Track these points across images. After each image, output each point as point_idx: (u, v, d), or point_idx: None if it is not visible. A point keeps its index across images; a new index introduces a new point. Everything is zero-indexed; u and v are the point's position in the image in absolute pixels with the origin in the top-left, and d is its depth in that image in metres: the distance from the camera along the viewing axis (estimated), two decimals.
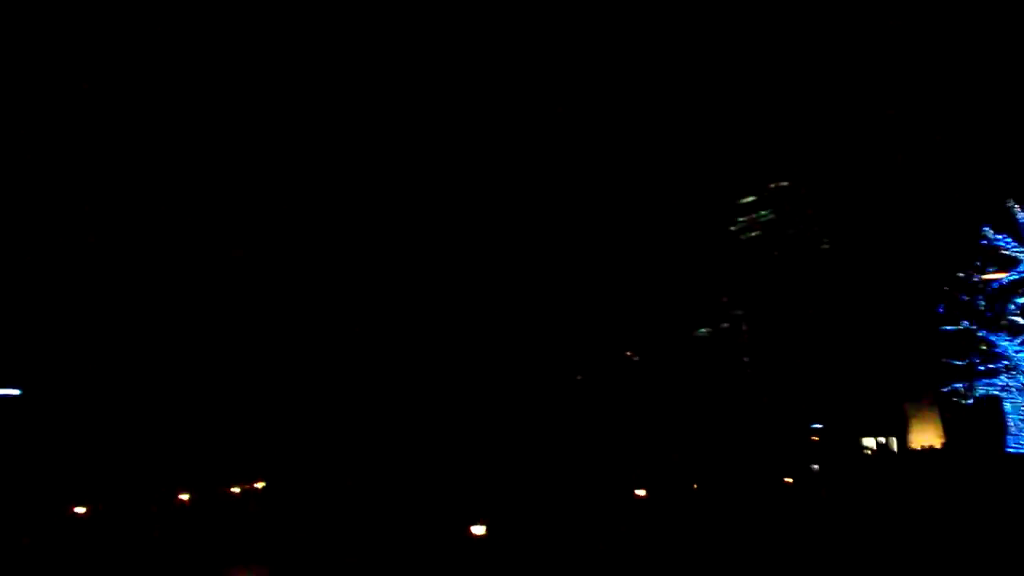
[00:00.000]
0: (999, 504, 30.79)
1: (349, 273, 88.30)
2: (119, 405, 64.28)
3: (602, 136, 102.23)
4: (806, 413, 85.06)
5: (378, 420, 77.31)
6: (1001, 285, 47.83)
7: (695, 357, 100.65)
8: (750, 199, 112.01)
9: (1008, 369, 47.64)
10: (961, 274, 49.94)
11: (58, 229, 68.65)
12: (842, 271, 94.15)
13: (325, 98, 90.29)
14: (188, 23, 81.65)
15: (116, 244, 73.39)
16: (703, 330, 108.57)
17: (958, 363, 49.86)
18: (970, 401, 50.07)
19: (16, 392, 57.91)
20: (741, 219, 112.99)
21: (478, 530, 25.94)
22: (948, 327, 50.14)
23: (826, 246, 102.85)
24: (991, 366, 48.35)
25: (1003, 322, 47.46)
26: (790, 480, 50.58)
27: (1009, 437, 47.62)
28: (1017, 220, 46.93)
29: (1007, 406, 48.12)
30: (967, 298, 49.50)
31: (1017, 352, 47.02)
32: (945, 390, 51.72)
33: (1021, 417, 47.42)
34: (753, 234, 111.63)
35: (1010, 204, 47.13)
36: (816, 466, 58.32)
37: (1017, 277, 47.11)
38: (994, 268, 48.18)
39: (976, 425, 51.61)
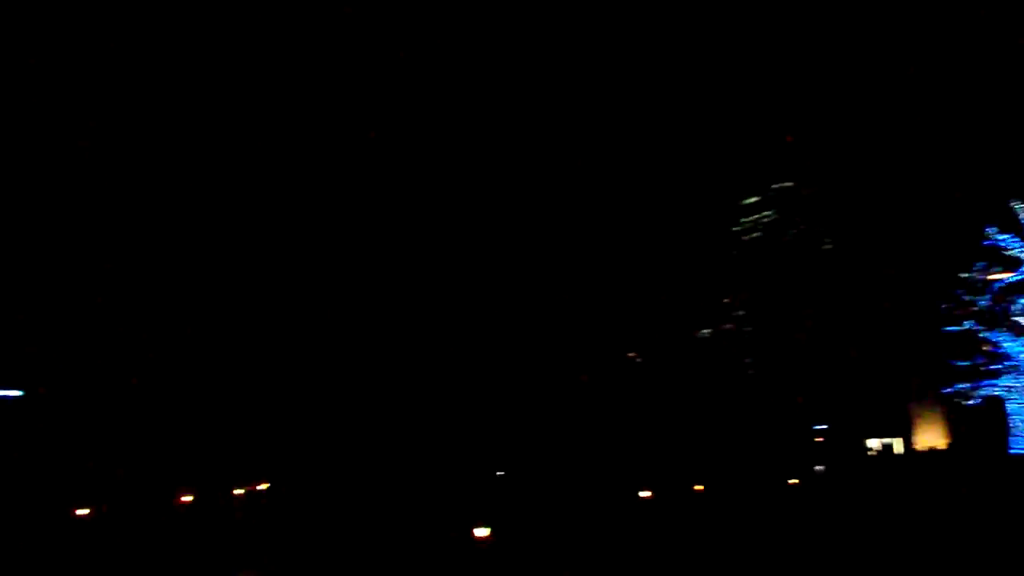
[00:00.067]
0: (1004, 505, 30.73)
1: (352, 274, 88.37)
2: (122, 407, 64.30)
3: (604, 137, 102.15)
4: (809, 414, 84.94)
5: (381, 422, 77.28)
6: (1005, 285, 47.77)
7: (697, 358, 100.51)
8: (753, 200, 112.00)
9: (1012, 370, 47.57)
10: (965, 274, 49.87)
11: (59, 230, 68.71)
12: (845, 272, 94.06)
13: (325, 98, 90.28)
14: (188, 24, 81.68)
15: (118, 245, 73.44)
16: (705, 331, 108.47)
17: (962, 364, 49.81)
18: (974, 402, 50.00)
19: (18, 393, 57.93)
20: (744, 220, 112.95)
21: (482, 532, 25.87)
22: (952, 328, 50.09)
23: (829, 247, 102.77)
24: (995, 367, 48.29)
25: (1007, 322, 47.38)
26: (794, 482, 50.48)
27: (1013, 438, 47.55)
28: (1021, 220, 46.88)
29: (1011, 407, 48.05)
30: (971, 298, 49.45)
31: (1021, 352, 46.94)
32: (949, 391, 51.66)
33: None
34: (756, 235, 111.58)
35: (1014, 204, 47.08)
36: (820, 468, 58.20)
37: (1021, 277, 47.05)
38: (998, 268, 48.11)
39: (981, 426, 51.57)
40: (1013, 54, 62.45)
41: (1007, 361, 47.64)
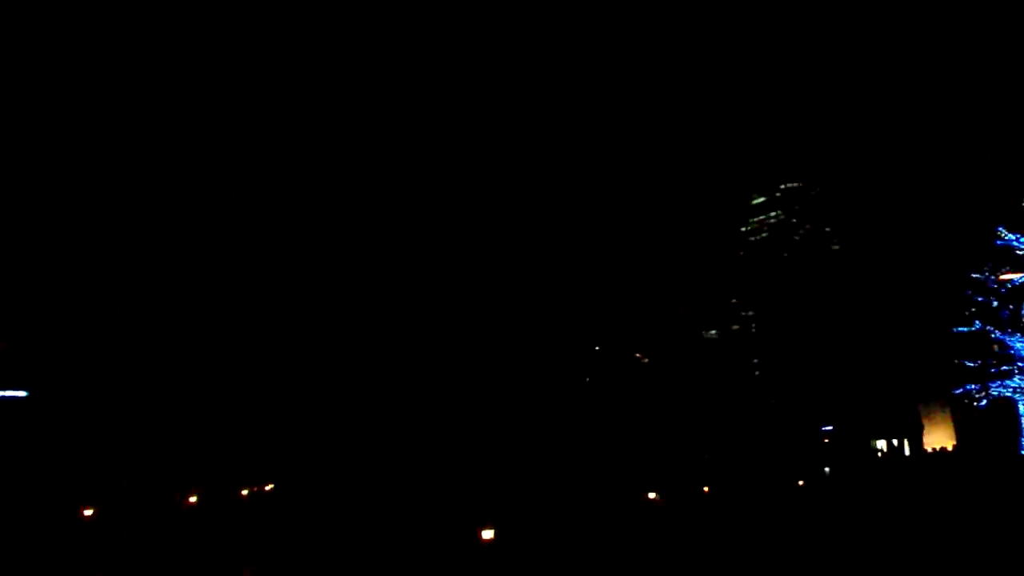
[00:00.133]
0: (1014, 507, 30.41)
1: (359, 279, 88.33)
2: (127, 407, 64.25)
3: (614, 138, 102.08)
4: (817, 415, 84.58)
5: (387, 424, 77.14)
6: (1015, 285, 47.26)
7: (705, 359, 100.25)
8: (761, 200, 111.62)
9: (1023, 371, 47.06)
10: (975, 274, 49.33)
11: (65, 233, 68.76)
12: (853, 272, 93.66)
13: (325, 98, 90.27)
14: (189, 24, 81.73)
15: (124, 248, 73.50)
16: (712, 331, 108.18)
17: (971, 364, 49.26)
18: (984, 403, 49.49)
19: (23, 394, 57.93)
20: (751, 220, 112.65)
21: (487, 534, 25.69)
22: (962, 328, 49.55)
23: (837, 247, 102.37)
24: (1005, 367, 47.76)
25: (1018, 323, 46.91)
26: (801, 483, 50.18)
27: None
28: None
29: (1022, 408, 47.56)
30: (981, 299, 48.91)
31: None
32: (958, 392, 51.13)
33: None
34: (763, 235, 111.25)
35: None
36: (828, 468, 57.88)
37: None
38: (1008, 268, 47.61)
39: (990, 427, 51.10)
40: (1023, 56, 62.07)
41: (1018, 362, 47.13)
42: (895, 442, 73.39)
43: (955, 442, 63.00)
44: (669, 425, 78.92)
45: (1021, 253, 46.57)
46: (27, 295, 63.66)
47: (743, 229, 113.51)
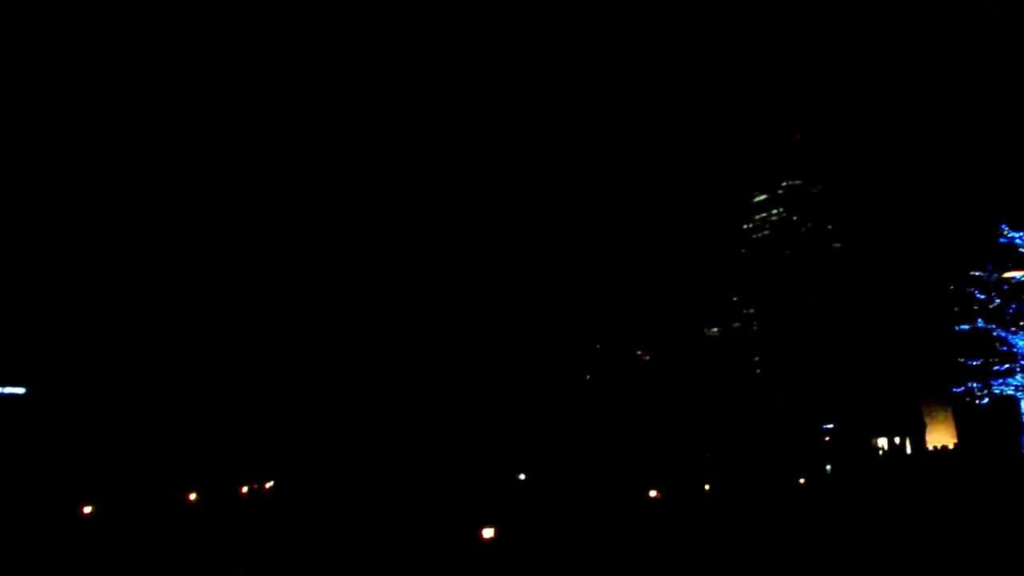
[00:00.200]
0: (1015, 505, 30.31)
1: (361, 276, 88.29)
2: (126, 403, 64.16)
3: (615, 135, 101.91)
4: (818, 413, 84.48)
5: (388, 422, 77.09)
6: (1018, 283, 47.10)
7: (706, 357, 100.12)
8: (762, 197, 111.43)
9: None
10: (977, 272, 49.16)
11: (63, 229, 68.68)
12: (855, 269, 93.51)
13: (326, 98, 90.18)
14: (189, 25, 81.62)
15: (125, 244, 73.42)
16: (714, 329, 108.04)
17: (973, 363, 49.08)
18: (985, 401, 49.34)
19: (20, 390, 57.84)
20: (754, 217, 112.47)
21: (488, 533, 25.59)
22: (963, 326, 49.38)
23: (838, 245, 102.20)
24: (1007, 366, 47.61)
25: (1020, 321, 46.77)
26: (803, 480, 50.10)
27: None
28: None
29: None
30: (983, 296, 48.73)
31: None
32: (959, 390, 50.97)
33: None
34: (765, 233, 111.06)
35: None
36: (829, 467, 57.77)
37: None
38: (1010, 266, 47.45)
39: (992, 425, 50.96)
40: None
41: (1020, 360, 46.99)
42: (896, 440, 73.33)
43: (956, 440, 62.89)
44: (670, 423, 78.88)
45: (1023, 251, 46.43)
46: (26, 291, 63.58)
47: (745, 227, 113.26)
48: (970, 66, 67.44)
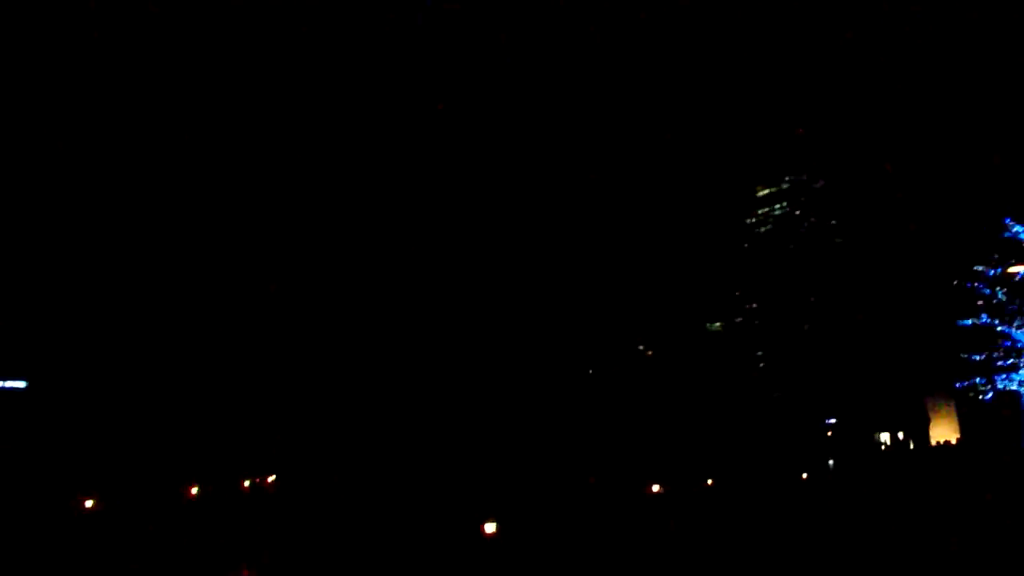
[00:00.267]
0: (1018, 500, 30.25)
1: (361, 272, 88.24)
2: (127, 398, 64.18)
3: (618, 131, 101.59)
4: (821, 408, 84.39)
5: (389, 417, 77.08)
6: (1022, 278, 46.98)
7: (708, 351, 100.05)
8: (765, 192, 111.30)
9: None
10: (980, 267, 49.03)
11: (64, 224, 68.68)
12: (858, 264, 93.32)
13: (325, 99, 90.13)
14: (190, 25, 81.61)
15: (126, 239, 73.42)
16: (716, 324, 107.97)
17: (977, 358, 49.00)
18: (989, 396, 49.26)
19: (21, 384, 57.87)
20: (757, 212, 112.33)
21: (490, 528, 25.55)
22: (967, 321, 49.28)
23: (841, 240, 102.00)
24: (1011, 360, 47.52)
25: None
26: (805, 476, 50.05)
27: None
28: None
29: None
30: (987, 291, 48.61)
31: None
32: (963, 385, 50.90)
33: None
34: (768, 227, 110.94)
35: None
36: (832, 462, 57.73)
37: None
38: (1015, 260, 47.33)
39: (995, 421, 50.86)
40: None
41: None
42: (899, 435, 73.20)
43: (960, 436, 62.78)
44: (672, 418, 78.79)
45: None
46: (27, 286, 63.60)
47: (748, 221, 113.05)
48: (974, 59, 67.11)
